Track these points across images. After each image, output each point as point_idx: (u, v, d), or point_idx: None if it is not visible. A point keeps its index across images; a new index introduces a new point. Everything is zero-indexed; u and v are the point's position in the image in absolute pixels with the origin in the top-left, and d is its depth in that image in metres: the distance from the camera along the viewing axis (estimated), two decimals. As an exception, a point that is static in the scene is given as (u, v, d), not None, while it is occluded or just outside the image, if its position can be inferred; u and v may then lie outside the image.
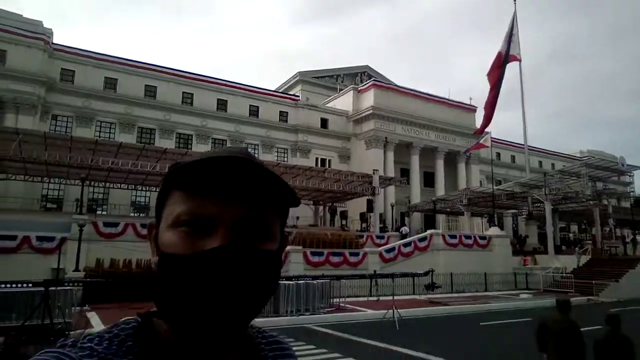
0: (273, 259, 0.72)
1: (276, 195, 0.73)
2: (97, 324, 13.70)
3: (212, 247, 0.66)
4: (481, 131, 43.70)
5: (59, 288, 12.67)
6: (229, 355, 0.74)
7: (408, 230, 33.10)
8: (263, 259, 0.70)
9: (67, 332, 10.90)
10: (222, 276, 0.64)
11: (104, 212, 34.36)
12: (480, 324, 16.09)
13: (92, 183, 31.11)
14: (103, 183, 32.16)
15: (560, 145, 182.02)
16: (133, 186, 33.50)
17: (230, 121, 43.16)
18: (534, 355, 7.31)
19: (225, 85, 44.24)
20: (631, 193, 55.22)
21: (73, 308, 13.39)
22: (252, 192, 0.70)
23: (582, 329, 6.48)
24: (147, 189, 34.40)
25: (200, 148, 38.19)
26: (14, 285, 12.05)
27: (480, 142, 40.91)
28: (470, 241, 30.21)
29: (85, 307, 15.56)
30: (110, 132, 38.00)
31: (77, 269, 18.45)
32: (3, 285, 12.03)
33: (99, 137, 34.79)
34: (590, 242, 37.25)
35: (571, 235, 51.33)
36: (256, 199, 0.71)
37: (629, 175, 53.10)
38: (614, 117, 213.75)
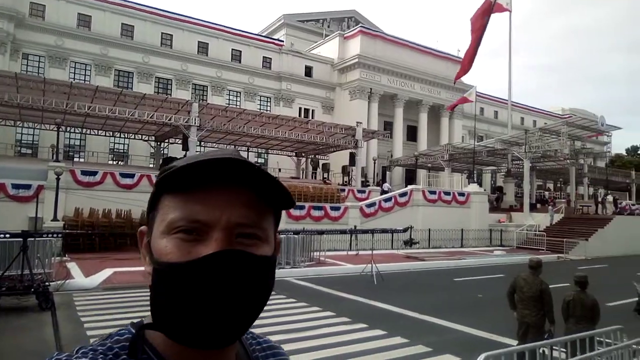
0: (269, 264, 0.70)
1: (271, 197, 0.70)
2: (77, 274, 13.76)
3: (207, 253, 0.64)
4: (457, 77, 43.11)
5: (37, 239, 12.50)
6: None
7: (390, 187, 33.41)
8: (259, 264, 0.68)
9: (47, 283, 10.87)
10: (219, 284, 0.63)
11: (82, 160, 33.61)
12: (454, 279, 16.71)
13: (68, 129, 30.15)
14: (79, 129, 31.21)
15: (545, 101, 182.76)
16: (111, 133, 32.63)
17: (212, 66, 41.69)
18: (505, 312, 7.66)
19: (207, 26, 42.34)
20: (607, 153, 56.53)
21: (53, 258, 13.29)
22: (247, 195, 0.68)
23: (550, 286, 6.82)
24: (126, 135, 33.53)
25: (180, 94, 37.08)
26: (-10, 236, 11.80)
27: (465, 95, 40.66)
28: (449, 197, 30.76)
29: (65, 258, 15.52)
30: (85, 75, 36.40)
31: (55, 219, 18.18)
32: (-21, 236, 11.78)
33: (74, 79, 33.35)
34: (564, 200, 38.39)
35: (547, 193, 52.78)
36: (251, 201, 0.69)
37: (607, 135, 54.09)
38: (601, 73, 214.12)
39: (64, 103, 24.53)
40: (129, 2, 38.93)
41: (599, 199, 37.04)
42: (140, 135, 33.42)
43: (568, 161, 38.37)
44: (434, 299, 13.02)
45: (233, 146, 36.99)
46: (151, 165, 35.17)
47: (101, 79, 35.28)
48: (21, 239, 11.08)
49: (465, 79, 50.57)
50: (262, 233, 0.70)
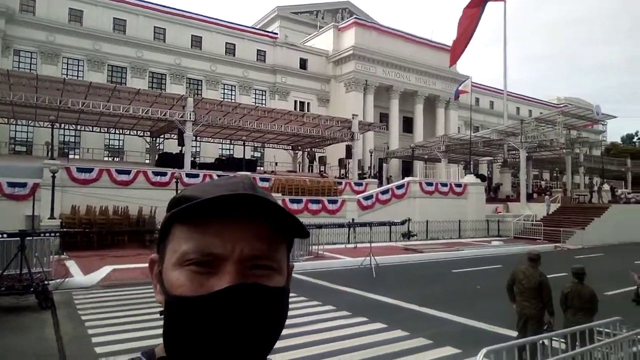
0: (283, 295, 0.69)
1: (284, 229, 0.70)
2: (76, 272, 13.73)
3: (221, 287, 0.64)
4: (452, 62, 43.06)
5: (35, 238, 12.45)
6: None
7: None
8: (273, 296, 0.67)
9: (46, 282, 10.84)
10: (233, 318, 0.63)
11: (77, 156, 33.45)
12: (452, 271, 16.79)
13: (63, 125, 29.95)
14: (74, 125, 31.00)
15: (541, 90, 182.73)
16: (106, 129, 32.45)
17: (206, 60, 41.42)
18: (504, 304, 7.71)
19: (200, 20, 42.00)
20: (603, 142, 56.69)
21: (51, 257, 13.27)
22: (261, 227, 0.68)
23: (548, 276, 6.88)
24: (121, 131, 33.37)
25: (175, 89, 36.81)
26: (-12, 236, 11.74)
27: (461, 88, 40.65)
28: (446, 189, 30.83)
29: (63, 256, 15.48)
30: (78, 70, 36.09)
31: (52, 217, 18.09)
32: (-24, 236, 11.71)
33: (66, 75, 33.10)
34: (561, 190, 38.52)
35: (543, 182, 52.97)
36: (264, 233, 0.69)
37: (602, 124, 54.23)
38: (596, 62, 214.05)
39: (57, 100, 24.32)
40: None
41: (595, 188, 37.20)
42: (135, 131, 33.25)
43: (564, 150, 38.50)
44: (433, 290, 13.07)
45: (229, 141, 36.94)
46: (147, 161, 35.04)
47: (94, 74, 35.00)
48: (19, 239, 11.05)
49: (461, 69, 50.59)
50: (276, 264, 0.70)
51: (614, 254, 22.44)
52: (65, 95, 24.76)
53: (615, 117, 42.95)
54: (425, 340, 8.07)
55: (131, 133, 33.62)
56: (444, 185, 31.12)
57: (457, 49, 43.95)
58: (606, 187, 37.92)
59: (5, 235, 11.84)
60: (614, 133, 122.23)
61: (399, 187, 29.13)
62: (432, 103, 51.35)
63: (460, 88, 40.28)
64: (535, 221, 30.01)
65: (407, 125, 50.19)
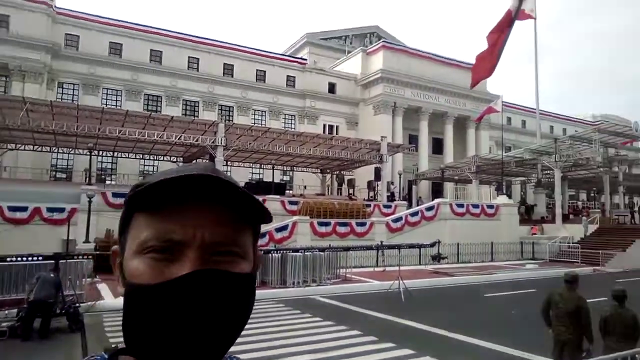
0: (247, 281, 0.67)
1: (248, 212, 0.68)
2: (107, 294, 14.06)
3: (182, 274, 0.62)
4: (474, 83, 42.36)
5: (69, 260, 12.88)
6: None
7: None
8: (237, 283, 0.65)
9: (77, 304, 11.15)
10: (196, 305, 0.60)
11: (113, 182, 34.66)
12: (484, 295, 16.25)
13: (100, 152, 31.20)
14: (111, 152, 32.25)
15: (574, 108, 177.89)
16: (140, 155, 33.60)
17: (237, 87, 42.61)
18: (539, 329, 7.36)
19: (232, 48, 43.42)
20: (644, 159, 54.26)
21: (84, 280, 13.64)
22: (223, 211, 0.65)
23: (588, 301, 6.48)
24: (155, 157, 34.50)
25: (207, 115, 37.93)
26: (25, 259, 12.26)
27: (491, 105, 40.03)
28: (477, 210, 30.14)
29: (96, 279, 15.90)
30: (117, 100, 37.78)
31: (87, 241, 18.73)
32: (14, 259, 12.25)
33: (106, 104, 34.65)
34: (599, 210, 37.00)
35: (580, 203, 51.01)
36: (227, 218, 0.66)
37: (643, 141, 51.96)
38: (633, 76, 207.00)
39: (96, 128, 25.43)
40: (156, 28, 40.44)
41: (636, 208, 35.56)
42: (169, 157, 34.29)
43: (601, 169, 37.07)
44: (463, 315, 12.67)
45: (259, 165, 37.51)
46: (180, 186, 35.84)
47: (132, 103, 36.50)
48: (53, 261, 11.46)
49: (491, 88, 49.96)
50: (240, 250, 0.67)
51: (659, 278, 21.20)
52: (103, 123, 25.89)
53: (656, 133, 41.22)
54: (453, 368, 7.80)
55: (165, 159, 34.68)
56: (476, 206, 30.43)
57: (478, 72, 43.18)
58: (649, 207, 36.20)
59: (40, 258, 12.33)
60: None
61: (429, 208, 28.69)
62: (462, 123, 50.76)
63: (491, 106, 39.64)
64: (573, 243, 28.83)
65: (437, 146, 49.69)
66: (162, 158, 34.51)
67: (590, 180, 42.39)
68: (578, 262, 25.83)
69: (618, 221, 34.51)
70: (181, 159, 34.68)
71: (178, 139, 27.48)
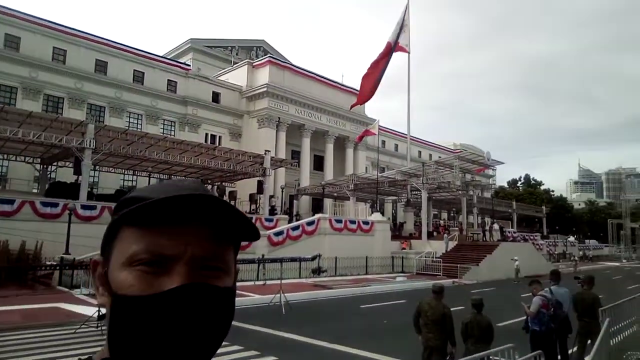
0: (231, 295, 0.70)
1: (236, 230, 0.70)
2: None
3: (172, 286, 0.64)
4: (354, 105, 45.11)
5: None
6: None
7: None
8: (223, 296, 0.68)
9: None
10: (184, 317, 0.63)
11: None
12: (361, 306, 16.96)
13: None
14: None
15: (438, 136, 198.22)
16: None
17: (111, 86, 39.20)
18: (410, 336, 7.83)
19: (106, 44, 39.93)
20: (493, 185, 62.58)
21: None
22: (211, 229, 0.69)
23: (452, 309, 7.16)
24: (6, 157, 29.90)
25: (74, 114, 34.08)
26: None
27: (369, 128, 42.69)
28: (354, 226, 31.62)
29: None
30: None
31: None
32: None
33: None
34: (457, 228, 41.42)
35: (442, 221, 56.64)
36: (215, 235, 0.69)
37: (492, 169, 59.84)
38: (487, 112, 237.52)
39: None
40: (14, 10, 35.50)
41: (486, 227, 40.57)
42: (23, 157, 30.04)
43: (460, 192, 41.67)
44: (342, 326, 13.02)
45: (132, 171, 34.82)
46: (35, 191, 31.63)
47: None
48: None
49: (369, 112, 53.34)
50: (225, 265, 0.70)
51: (503, 288, 24.26)
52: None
53: (503, 163, 48.02)
54: (336, 378, 7.88)
55: (18, 159, 30.30)
56: (353, 222, 31.90)
57: (363, 94, 46.08)
58: (496, 226, 41.52)
59: None
60: (501, 177, 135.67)
61: (310, 223, 29.30)
62: (342, 143, 53.25)
63: (368, 128, 42.31)
64: (436, 258, 31.70)
65: (318, 163, 51.33)
66: (14, 158, 30.05)
67: (451, 201, 47.38)
68: (440, 275, 28.42)
69: (473, 238, 38.91)
70: (39, 159, 30.61)
71: (37, 138, 24.25)
